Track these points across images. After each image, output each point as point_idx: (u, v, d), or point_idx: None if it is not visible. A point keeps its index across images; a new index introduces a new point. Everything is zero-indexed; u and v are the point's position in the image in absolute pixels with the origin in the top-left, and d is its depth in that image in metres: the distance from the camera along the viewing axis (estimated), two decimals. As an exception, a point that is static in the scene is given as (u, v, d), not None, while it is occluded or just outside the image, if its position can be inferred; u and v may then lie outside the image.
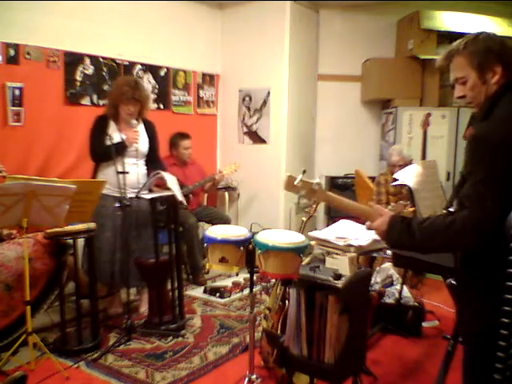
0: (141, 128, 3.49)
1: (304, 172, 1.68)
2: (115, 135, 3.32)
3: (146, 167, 3.52)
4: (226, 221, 4.48)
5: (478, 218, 1.34)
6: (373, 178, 4.50)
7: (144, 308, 3.59)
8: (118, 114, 3.39)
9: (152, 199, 3.31)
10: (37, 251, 2.92)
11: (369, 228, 1.61)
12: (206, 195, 5.03)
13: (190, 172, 4.60)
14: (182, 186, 4.42)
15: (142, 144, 3.46)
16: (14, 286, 2.83)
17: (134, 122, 3.39)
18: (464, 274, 1.47)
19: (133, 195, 3.28)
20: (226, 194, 5.29)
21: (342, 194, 1.67)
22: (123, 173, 3.22)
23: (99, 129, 3.39)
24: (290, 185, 1.64)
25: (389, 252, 3.13)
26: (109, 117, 3.42)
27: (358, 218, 1.83)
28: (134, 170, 3.41)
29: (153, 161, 3.55)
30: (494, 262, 1.35)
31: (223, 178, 4.73)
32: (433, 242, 1.43)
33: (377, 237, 2.75)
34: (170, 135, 4.55)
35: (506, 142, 1.32)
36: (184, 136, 4.54)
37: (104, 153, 3.30)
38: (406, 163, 4.07)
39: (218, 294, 3.95)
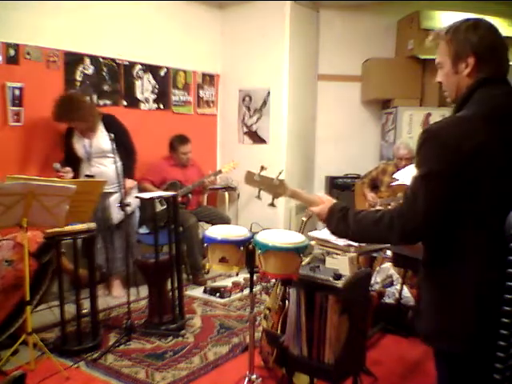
0: (101, 129, 3.72)
1: (262, 168, 1.76)
2: (77, 145, 3.72)
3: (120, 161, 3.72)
4: (226, 221, 4.48)
5: (405, 216, 1.31)
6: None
7: (116, 293, 3.91)
8: None
9: (150, 198, 3.33)
10: (18, 253, 2.87)
11: (313, 212, 1.62)
12: (205, 195, 5.02)
13: (190, 173, 4.60)
14: (181, 186, 4.45)
15: (104, 143, 3.66)
16: None
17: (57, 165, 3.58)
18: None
19: (111, 190, 3.68)
20: (226, 193, 5.28)
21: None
22: (89, 176, 3.68)
23: (66, 144, 3.78)
24: (249, 179, 1.74)
25: (389, 252, 3.13)
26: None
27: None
28: (107, 168, 3.71)
29: (123, 151, 3.75)
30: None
31: (213, 183, 4.71)
32: (364, 235, 1.45)
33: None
34: (170, 137, 4.54)
35: (453, 145, 1.26)
36: (183, 141, 4.51)
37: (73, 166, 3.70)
38: (413, 157, 4.10)
39: (218, 294, 3.95)
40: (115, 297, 3.88)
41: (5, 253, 2.87)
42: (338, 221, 1.49)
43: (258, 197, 1.75)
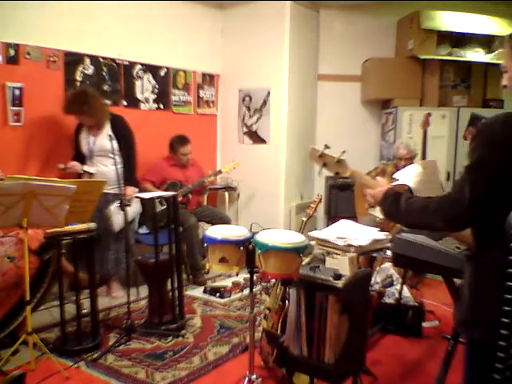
0: (107, 128, 3.75)
1: (326, 146, 1.86)
2: (82, 141, 3.78)
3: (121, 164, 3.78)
4: (226, 221, 4.48)
5: (452, 202, 1.38)
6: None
7: (116, 293, 3.93)
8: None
9: (150, 198, 3.34)
10: (20, 250, 2.87)
11: (368, 194, 1.74)
12: (205, 195, 5.02)
13: (190, 173, 4.60)
14: (181, 186, 4.45)
15: (108, 143, 3.63)
16: (0, 285, 2.81)
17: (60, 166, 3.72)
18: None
19: (111, 191, 3.69)
20: (226, 193, 5.28)
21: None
22: (88, 173, 3.76)
23: (75, 140, 3.84)
24: (313, 156, 1.86)
25: (389, 252, 3.13)
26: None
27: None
28: (107, 168, 3.75)
29: (125, 154, 3.80)
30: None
31: (213, 183, 4.71)
32: (411, 218, 1.53)
33: (377, 237, 2.76)
34: (170, 138, 4.54)
35: (500, 141, 1.32)
36: (183, 141, 4.50)
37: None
38: (413, 157, 4.11)
39: (218, 294, 3.95)
40: (115, 297, 3.88)
41: (7, 248, 2.88)
42: (391, 204, 1.60)
43: (319, 173, 1.91)
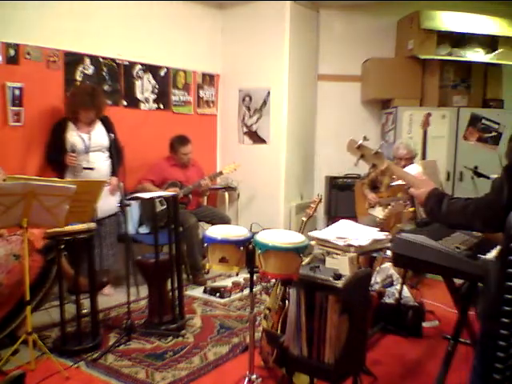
0: (98, 125, 3.85)
1: (364, 138, 1.89)
2: (74, 138, 3.71)
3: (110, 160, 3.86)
4: (226, 221, 4.48)
5: (491, 202, 1.41)
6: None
7: (106, 291, 3.90)
8: (77, 117, 3.75)
9: (150, 198, 3.34)
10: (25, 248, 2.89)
11: (412, 194, 1.80)
12: (205, 195, 5.02)
13: (191, 173, 4.60)
14: (182, 186, 4.45)
15: (102, 138, 3.78)
16: (4, 282, 2.82)
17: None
18: None
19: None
20: (226, 193, 5.29)
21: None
22: (89, 169, 3.72)
23: (55, 138, 3.75)
24: (351, 148, 1.90)
25: (389, 252, 3.13)
26: (68, 119, 3.77)
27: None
28: (101, 164, 3.80)
29: (113, 153, 3.80)
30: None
31: (208, 185, 4.67)
32: (451, 218, 1.59)
33: (377, 237, 2.77)
34: (171, 138, 4.54)
35: None
36: (183, 141, 4.50)
37: (56, 162, 3.75)
38: (413, 157, 4.10)
39: (218, 294, 3.95)
40: (106, 295, 3.84)
41: (13, 246, 2.89)
42: (434, 204, 1.66)
43: (356, 164, 1.94)
